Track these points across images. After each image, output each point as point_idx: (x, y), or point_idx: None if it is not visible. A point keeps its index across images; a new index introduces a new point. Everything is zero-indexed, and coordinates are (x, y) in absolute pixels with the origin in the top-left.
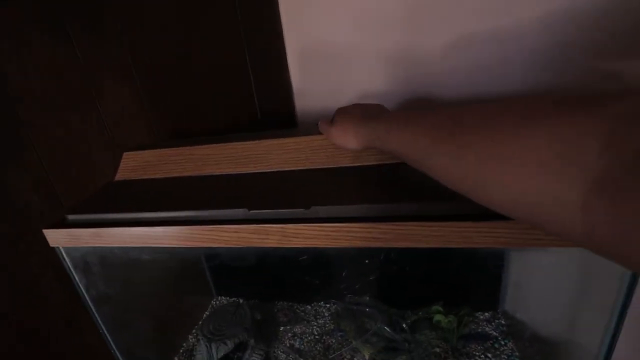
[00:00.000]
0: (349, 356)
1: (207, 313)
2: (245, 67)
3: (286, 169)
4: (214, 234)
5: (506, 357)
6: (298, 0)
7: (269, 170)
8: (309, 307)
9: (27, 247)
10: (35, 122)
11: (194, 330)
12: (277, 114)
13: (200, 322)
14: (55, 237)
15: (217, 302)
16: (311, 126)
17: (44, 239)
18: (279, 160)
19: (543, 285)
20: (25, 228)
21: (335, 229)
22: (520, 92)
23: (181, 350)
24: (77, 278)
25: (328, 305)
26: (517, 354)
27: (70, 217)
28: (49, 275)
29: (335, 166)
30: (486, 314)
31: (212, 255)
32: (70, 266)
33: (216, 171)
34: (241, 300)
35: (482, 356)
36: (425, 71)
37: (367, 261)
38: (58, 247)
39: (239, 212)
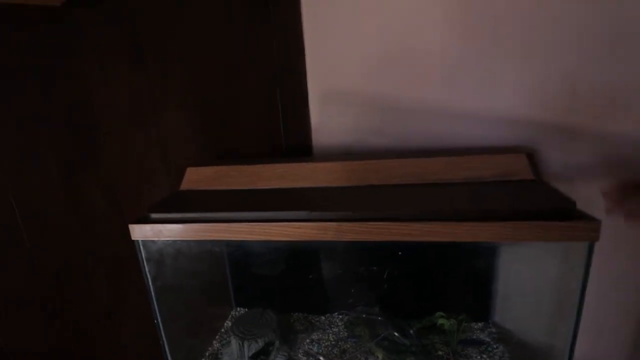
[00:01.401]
0: (363, 358)
1: (228, 322)
2: (276, 103)
3: (329, 185)
4: (282, 230)
5: (498, 358)
6: (321, 51)
7: (314, 186)
8: (323, 317)
9: (87, 244)
10: (110, 137)
11: (217, 336)
12: (297, 145)
13: (222, 329)
14: (140, 231)
15: (237, 313)
16: (326, 155)
17: (103, 238)
18: (322, 178)
19: (523, 299)
20: (89, 226)
21: (377, 226)
22: None
23: (207, 354)
24: (147, 270)
25: (341, 316)
26: (507, 355)
27: (153, 215)
28: (100, 272)
29: (366, 184)
30: (480, 323)
31: (236, 268)
32: (144, 258)
33: (268, 185)
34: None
35: (479, 357)
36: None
37: (375, 277)
38: (138, 241)
39: (302, 214)
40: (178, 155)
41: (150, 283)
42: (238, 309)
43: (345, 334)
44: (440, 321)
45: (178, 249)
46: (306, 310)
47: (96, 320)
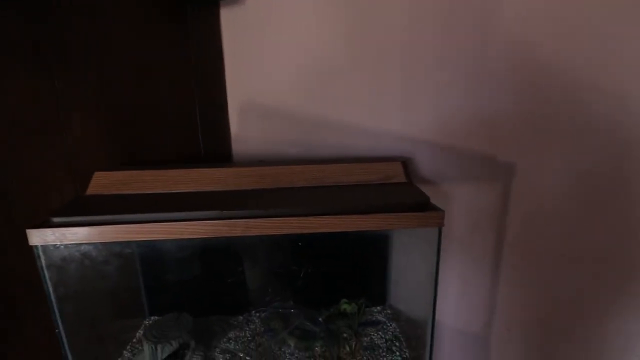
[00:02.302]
0: (277, 348)
1: (140, 332)
2: (194, 112)
3: (240, 189)
4: (195, 228)
5: (391, 333)
6: (241, 65)
7: (227, 189)
8: (241, 317)
9: None
10: (4, 143)
11: (128, 346)
12: (216, 153)
13: (134, 339)
14: (40, 236)
15: (149, 322)
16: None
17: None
18: (234, 182)
19: (406, 281)
20: None
21: (279, 221)
22: None
23: None
24: (47, 276)
25: (258, 314)
26: (398, 330)
27: (55, 219)
28: None
29: (271, 187)
30: (379, 307)
31: (149, 276)
32: (44, 264)
33: (182, 189)
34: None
35: (376, 335)
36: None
37: (287, 274)
38: (37, 246)
39: (213, 213)
40: (86, 163)
41: (52, 290)
42: (151, 318)
43: (262, 329)
44: (344, 306)
45: (82, 255)
46: (223, 312)
47: None
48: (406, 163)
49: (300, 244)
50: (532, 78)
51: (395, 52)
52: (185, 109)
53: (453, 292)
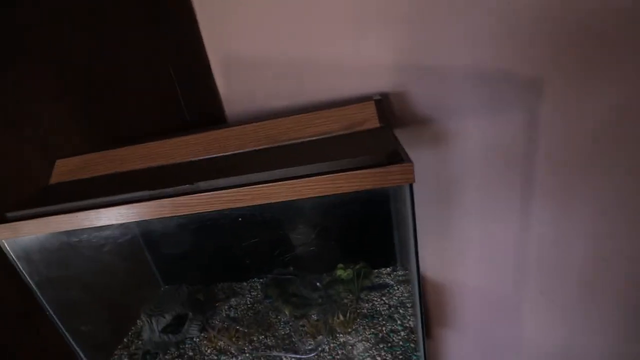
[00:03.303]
0: (274, 315)
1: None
2: (170, 77)
3: (186, 160)
4: (123, 211)
5: (396, 298)
6: (215, 16)
7: (172, 162)
8: (245, 283)
9: None
10: None
11: (142, 315)
12: (205, 117)
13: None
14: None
15: (164, 290)
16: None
17: None
18: (181, 153)
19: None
20: None
21: (208, 196)
22: None
23: (129, 333)
24: (21, 268)
25: (261, 280)
26: (405, 294)
27: (10, 214)
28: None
29: (224, 154)
30: (388, 269)
31: (152, 246)
32: (13, 257)
33: (130, 167)
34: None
35: (379, 300)
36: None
37: (289, 239)
38: (2, 241)
39: (144, 194)
40: (62, 149)
41: (29, 278)
42: (166, 287)
43: (261, 296)
44: (339, 272)
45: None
46: (230, 279)
47: (11, 323)
48: (381, 102)
49: (240, 219)
50: None
51: None
52: (159, 76)
53: (476, 251)
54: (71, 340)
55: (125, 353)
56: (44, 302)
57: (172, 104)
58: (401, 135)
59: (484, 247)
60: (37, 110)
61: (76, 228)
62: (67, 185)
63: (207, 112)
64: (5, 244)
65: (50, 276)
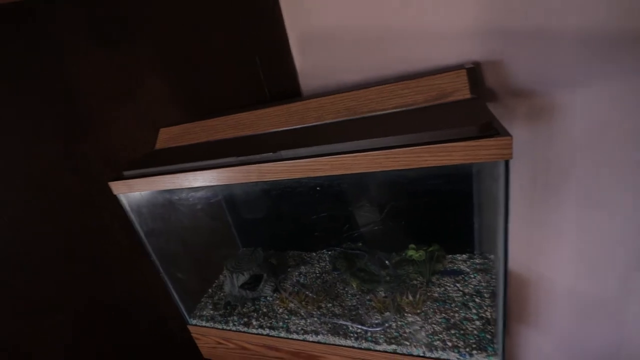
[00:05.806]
0: (341, 287)
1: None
2: (252, 53)
3: (269, 130)
4: (214, 175)
5: (472, 287)
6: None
7: (258, 133)
8: (314, 254)
9: (100, 205)
10: (98, 110)
11: (224, 271)
12: (283, 90)
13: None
14: (117, 187)
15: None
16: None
17: (111, 198)
18: (264, 124)
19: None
20: (99, 190)
21: (290, 164)
22: None
23: (214, 285)
24: (133, 219)
25: (330, 252)
26: (483, 283)
27: (126, 172)
28: (115, 225)
29: (303, 125)
30: (464, 255)
31: (233, 211)
32: (128, 209)
33: (222, 136)
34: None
35: (452, 286)
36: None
37: (360, 215)
38: (119, 195)
39: (234, 160)
40: (165, 118)
41: (139, 228)
42: (243, 249)
43: (330, 267)
44: (410, 253)
45: (177, 199)
46: (301, 249)
47: (123, 265)
48: (473, 71)
49: (318, 188)
50: None
51: None
52: (243, 52)
53: (572, 244)
54: (169, 283)
55: (210, 301)
56: (150, 249)
57: (254, 80)
58: (491, 109)
59: (582, 240)
60: (147, 84)
61: (177, 187)
62: (169, 150)
63: (285, 87)
64: (122, 198)
65: (154, 228)
